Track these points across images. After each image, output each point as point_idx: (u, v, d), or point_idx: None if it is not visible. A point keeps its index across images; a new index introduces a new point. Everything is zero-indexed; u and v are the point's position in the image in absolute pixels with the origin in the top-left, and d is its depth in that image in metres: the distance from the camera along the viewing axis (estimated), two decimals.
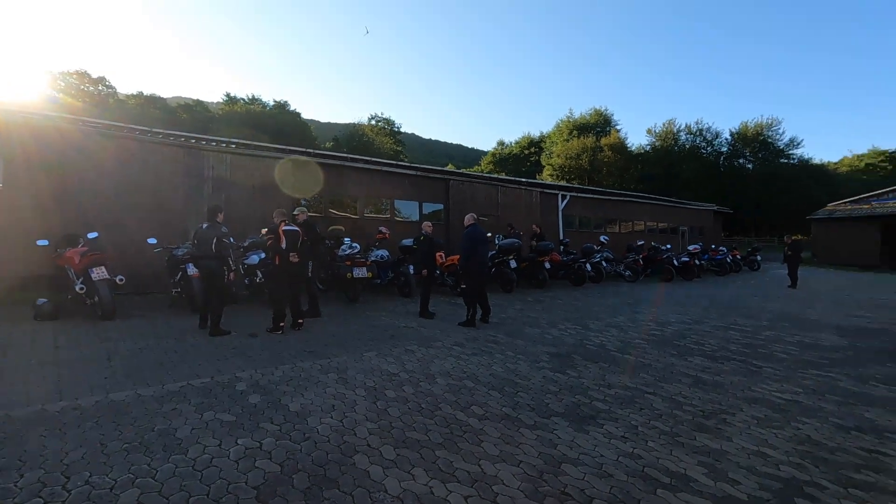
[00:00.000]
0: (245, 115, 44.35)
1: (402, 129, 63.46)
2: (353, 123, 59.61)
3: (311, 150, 12.81)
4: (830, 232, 26.83)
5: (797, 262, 14.84)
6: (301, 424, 3.57)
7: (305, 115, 54.96)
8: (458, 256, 11.01)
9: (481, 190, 15.79)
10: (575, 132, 48.95)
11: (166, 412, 3.74)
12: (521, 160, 58.09)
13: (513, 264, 11.82)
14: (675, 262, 16.52)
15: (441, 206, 15.02)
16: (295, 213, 7.99)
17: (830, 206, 28.41)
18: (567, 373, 5.11)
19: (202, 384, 4.43)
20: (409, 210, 14.60)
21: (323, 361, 5.30)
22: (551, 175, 46.51)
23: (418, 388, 4.48)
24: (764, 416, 3.97)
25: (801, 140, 60.69)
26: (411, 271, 10.49)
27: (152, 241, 8.35)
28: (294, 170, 11.88)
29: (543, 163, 50.89)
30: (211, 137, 14.63)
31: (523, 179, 19.60)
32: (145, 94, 46.93)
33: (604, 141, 45.20)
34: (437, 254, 9.05)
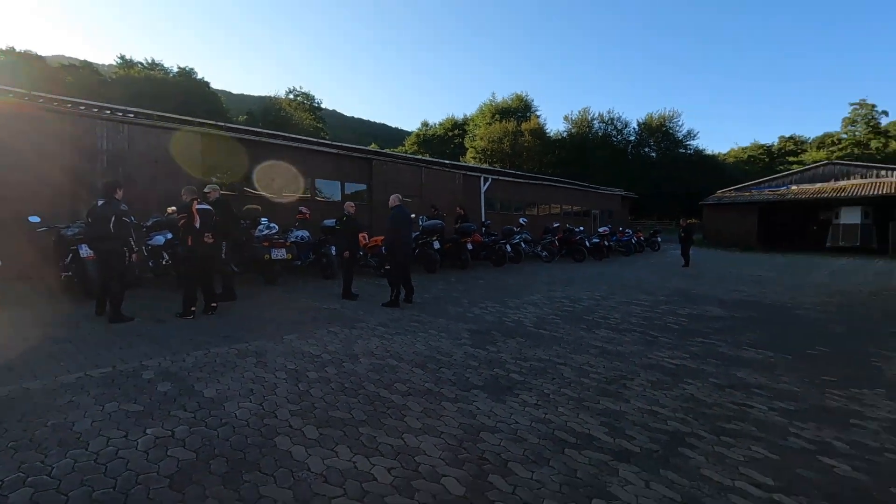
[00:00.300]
0: (144, 81, 40.11)
1: (323, 106, 60.99)
2: (269, 97, 56.12)
3: (224, 124, 11.99)
4: (718, 216, 29.95)
5: (689, 244, 16.46)
6: (217, 410, 3.45)
7: (215, 86, 50.90)
8: (381, 237, 10.96)
9: (405, 171, 15.73)
10: (497, 116, 49.92)
11: (61, 406, 3.43)
12: (445, 142, 58.31)
13: (436, 245, 11.99)
14: (587, 244, 17.64)
15: (364, 187, 14.79)
16: (206, 190, 7.49)
17: (719, 192, 31.66)
18: (487, 348, 5.35)
19: (103, 374, 4.10)
20: (330, 190, 14.22)
21: (240, 346, 5.11)
22: (474, 158, 47.25)
23: (341, 369, 4.48)
24: (657, 379, 4.45)
25: (697, 132, 67.34)
26: (333, 252, 10.29)
27: (35, 219, 7.44)
28: (204, 144, 11.07)
29: (467, 145, 51.49)
30: (105, 105, 13.15)
31: (447, 161, 19.81)
32: (17, 49, 40.71)
33: (524, 126, 46.61)
34: (361, 234, 8.94)
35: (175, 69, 46.28)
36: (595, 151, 44.94)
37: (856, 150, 47.27)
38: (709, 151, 51.78)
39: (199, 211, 6.42)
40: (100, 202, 6.12)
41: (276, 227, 9.44)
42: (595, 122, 49.02)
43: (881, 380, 4.61)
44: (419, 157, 20.38)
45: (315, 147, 13.75)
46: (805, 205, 27.87)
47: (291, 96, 55.67)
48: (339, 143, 15.01)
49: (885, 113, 52.12)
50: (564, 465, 2.83)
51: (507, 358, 5.00)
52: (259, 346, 5.11)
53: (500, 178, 20.60)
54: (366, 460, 2.82)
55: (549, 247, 16.64)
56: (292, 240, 9.98)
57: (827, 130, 56.31)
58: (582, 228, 18.76)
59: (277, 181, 12.71)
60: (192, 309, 6.37)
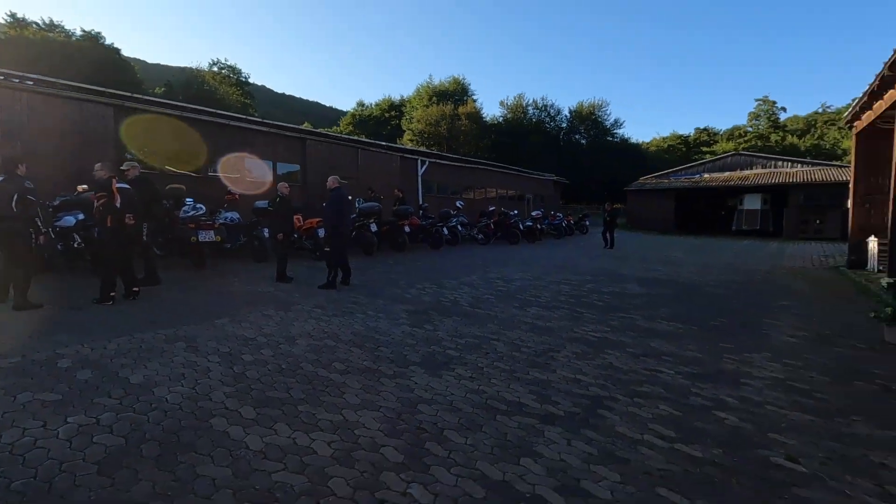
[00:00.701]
0: (41, 43, 35.82)
1: (251, 81, 57.66)
2: (190, 68, 52.08)
3: (141, 96, 11.08)
4: (640, 201, 31.99)
5: (613, 227, 17.52)
6: (146, 396, 3.33)
7: (127, 53, 46.38)
8: (316, 220, 10.75)
9: (341, 152, 15.40)
10: (435, 99, 49.77)
11: None
12: (382, 123, 57.35)
13: (373, 228, 11.94)
14: (521, 227, 18.26)
15: (297, 167, 14.33)
16: (124, 168, 6.98)
17: (641, 179, 33.75)
18: (424, 327, 5.50)
19: (11, 364, 3.81)
20: (261, 170, 13.65)
21: (167, 331, 4.90)
22: (411, 140, 46.94)
23: (278, 351, 4.44)
24: (581, 351, 4.81)
25: (624, 121, 71.01)
26: (266, 235, 9.97)
27: None
28: (119, 117, 10.22)
29: (404, 127, 50.99)
30: None
31: (384, 143, 19.57)
32: None
33: (461, 109, 46.85)
34: (295, 216, 8.73)
35: (79, 32, 41.70)
36: (529, 137, 46.10)
37: (759, 143, 51.97)
38: (634, 140, 54.87)
39: (120, 190, 5.99)
40: None
41: (204, 207, 8.99)
42: (530, 108, 50.19)
43: (768, 345, 5.26)
44: (355, 137, 19.97)
45: (244, 124, 13.10)
46: (715, 192, 30.43)
47: (216, 69, 52.08)
48: (271, 121, 14.38)
49: (784, 109, 57.78)
50: (496, 430, 3.04)
51: (443, 336, 5.18)
52: (189, 331, 4.93)
53: (438, 161, 20.71)
54: (305, 436, 2.87)
55: (484, 230, 17.06)
56: (221, 221, 9.55)
57: (735, 123, 61.50)
58: (516, 212, 19.36)
59: (204, 160, 12.00)
60: (112, 294, 5.98)
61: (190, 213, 8.71)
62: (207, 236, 8.67)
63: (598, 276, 10.23)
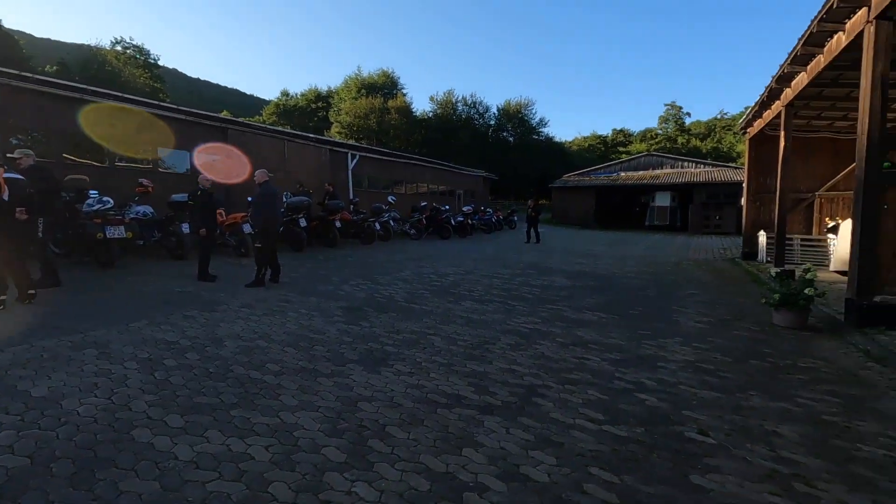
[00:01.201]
0: None
1: (161, 63, 53.19)
2: (88, 46, 47.02)
3: (32, 75, 9.83)
4: (564, 198, 33.56)
5: (536, 222, 18.16)
6: (52, 409, 3.02)
7: (8, 24, 41.02)
8: (241, 214, 10.22)
9: (267, 143, 14.70)
10: (363, 91, 48.85)
11: None
12: (308, 114, 55.40)
13: (303, 223, 11.55)
14: (453, 222, 18.49)
15: (218, 158, 13.46)
16: (15, 156, 6.21)
17: (565, 176, 35.41)
18: (360, 324, 5.44)
19: None
20: (177, 160, 12.69)
21: (74, 337, 4.46)
22: (340, 133, 45.78)
23: (205, 354, 4.20)
24: (515, 342, 5.00)
25: (548, 120, 74.16)
26: (186, 230, 9.30)
27: None
28: (4, 98, 9.05)
29: (332, 119, 49.58)
30: None
31: (312, 135, 18.90)
32: None
33: (391, 103, 46.38)
34: (218, 211, 8.23)
35: None
36: (458, 133, 46.66)
37: (668, 144, 56.35)
38: (557, 139, 57.31)
39: (8, 180, 5.32)
40: None
41: (111, 201, 8.21)
42: (459, 104, 50.72)
43: (679, 331, 5.77)
44: (282, 129, 19.11)
45: (158, 111, 12.07)
46: (631, 189, 32.63)
47: (119, 48, 47.51)
48: (188, 108, 13.38)
49: (689, 114, 63.09)
50: (437, 423, 3.09)
51: (380, 332, 5.15)
52: (100, 336, 4.52)
53: (369, 155, 20.38)
54: (240, 441, 2.75)
55: (417, 225, 17.09)
56: (132, 216, 8.79)
57: (647, 126, 66.21)
58: (448, 207, 19.57)
59: (110, 148, 10.94)
60: (2, 298, 5.32)
61: (95, 207, 7.91)
62: (117, 232, 7.93)
63: (527, 269, 10.62)
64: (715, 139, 58.00)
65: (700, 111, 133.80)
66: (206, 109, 15.18)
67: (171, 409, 3.11)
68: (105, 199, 8.13)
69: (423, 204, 18.37)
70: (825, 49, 7.14)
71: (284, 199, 11.93)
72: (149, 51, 49.20)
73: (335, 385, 3.65)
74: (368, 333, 5.08)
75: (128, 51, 47.77)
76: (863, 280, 5.70)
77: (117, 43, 47.62)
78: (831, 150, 12.97)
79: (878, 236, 5.68)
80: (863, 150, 5.68)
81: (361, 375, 3.87)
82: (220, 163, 12.60)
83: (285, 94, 59.98)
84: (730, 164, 33.33)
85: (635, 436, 3.03)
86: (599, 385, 3.88)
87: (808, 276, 6.09)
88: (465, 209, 20.34)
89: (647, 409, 3.46)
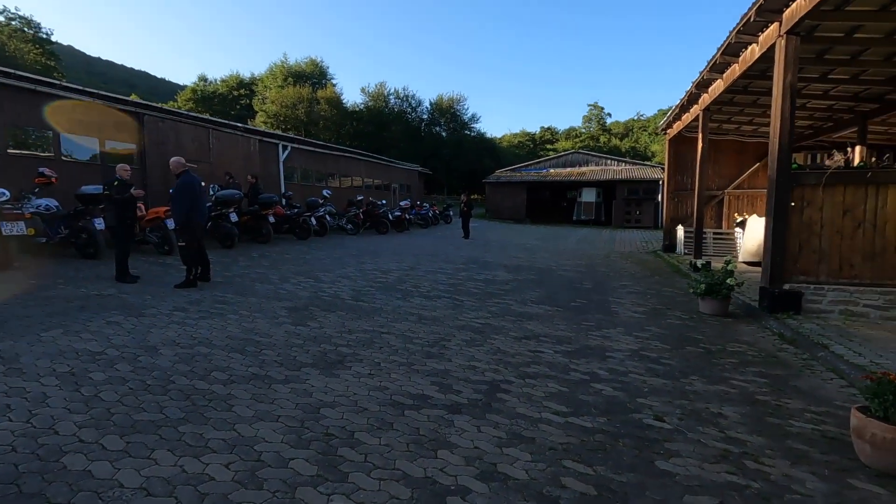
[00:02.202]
0: None
1: (54, 39, 47.55)
2: None
3: None
4: (497, 193, 34.32)
5: (469, 217, 18.36)
6: None
7: None
8: (164, 208, 9.39)
9: (188, 131, 13.60)
10: (290, 80, 46.77)
11: None
12: (230, 101, 52.15)
13: (233, 218, 10.85)
14: (390, 217, 18.26)
15: (133, 147, 12.28)
16: None
17: (497, 172, 36.20)
18: (308, 324, 5.19)
19: None
20: (83, 149, 11.40)
21: None
22: (265, 122, 43.52)
23: (138, 364, 3.79)
24: (470, 338, 5.01)
25: (480, 116, 75.42)
26: (99, 226, 8.39)
27: None
28: None
29: (256, 108, 47.04)
30: None
31: (240, 125, 17.77)
32: None
33: (320, 93, 44.79)
34: (138, 205, 7.49)
35: None
36: (391, 126, 46.12)
37: (591, 143, 59.40)
38: (489, 135, 58.41)
39: None
40: None
41: (7, 193, 7.19)
42: (391, 97, 50.11)
43: (618, 321, 6.08)
44: (206, 116, 17.72)
45: (59, 91, 10.74)
46: (559, 185, 34.04)
47: (2, 18, 41.88)
48: (97, 91, 12.04)
49: (610, 114, 66.89)
50: (407, 426, 3.01)
51: (331, 332, 4.95)
52: (5, 349, 3.94)
53: (301, 146, 19.55)
54: (196, 461, 2.51)
55: (353, 219, 16.68)
56: (33, 210, 7.78)
57: (572, 125, 69.29)
58: (385, 202, 19.28)
59: (0, 133, 9.59)
60: None
61: None
62: (15, 229, 6.98)
63: (468, 264, 10.72)
64: (633, 139, 61.97)
65: (619, 112, 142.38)
66: (108, 92, 13.73)
67: (106, 430, 2.77)
68: (0, 190, 7.12)
69: (359, 198, 17.95)
70: (740, 59, 7.79)
71: (212, 192, 11.15)
72: (39, 23, 43.84)
73: (292, 392, 3.44)
74: (319, 334, 4.86)
75: (13, 22, 42.22)
76: (775, 270, 6.32)
77: (1, 13, 41.95)
78: (737, 152, 14.28)
79: (786, 231, 6.32)
80: (774, 152, 6.29)
81: (319, 380, 3.68)
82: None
83: (203, 79, 56.10)
84: (646, 163, 35.76)
85: (599, 426, 3.13)
86: (557, 377, 3.98)
87: (730, 267, 6.67)
88: (402, 204, 20.18)
89: (604, 398, 3.59)
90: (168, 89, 75.71)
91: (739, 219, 12.46)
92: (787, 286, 6.33)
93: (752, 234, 10.60)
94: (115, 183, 6.79)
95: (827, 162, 8.19)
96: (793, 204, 6.32)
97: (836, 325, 5.70)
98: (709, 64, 8.45)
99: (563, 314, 6.30)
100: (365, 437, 2.85)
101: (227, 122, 17.32)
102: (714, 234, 12.95)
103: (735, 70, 8.06)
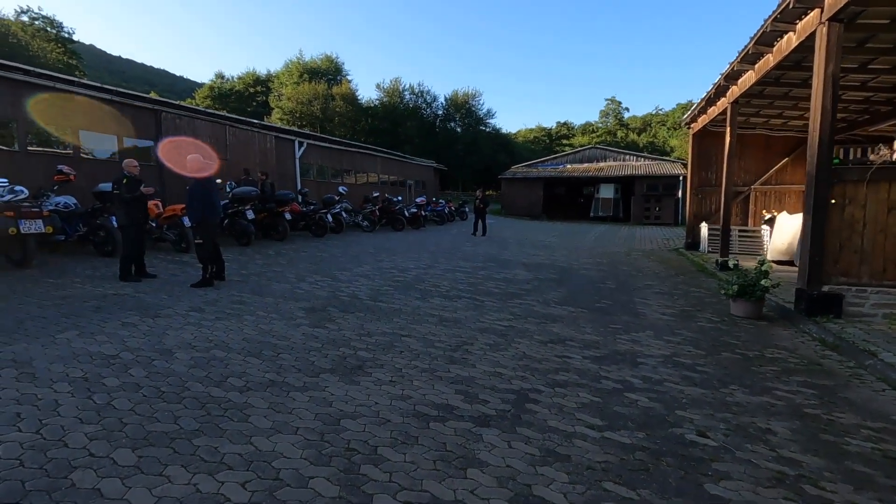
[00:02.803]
0: None
1: (76, 38, 48.26)
2: None
3: None
4: (513, 189, 33.94)
5: (483, 213, 18.01)
6: None
7: None
8: (180, 206, 9.34)
9: (206, 128, 13.60)
10: (306, 76, 46.85)
11: None
12: (246, 99, 52.50)
13: (250, 215, 10.79)
14: (406, 213, 18.10)
15: (150, 144, 12.30)
16: None
17: (513, 168, 35.80)
18: (326, 326, 5.04)
19: None
20: (102, 146, 11.44)
21: None
22: (281, 119, 43.70)
23: (152, 369, 3.68)
24: (493, 342, 4.81)
25: (496, 112, 74.97)
26: (115, 224, 8.35)
27: None
28: None
29: (273, 105, 47.25)
30: None
31: (256, 121, 17.76)
32: None
33: (335, 90, 44.80)
34: (154, 202, 7.43)
35: None
36: (406, 122, 45.94)
37: (608, 138, 58.47)
38: (504, 130, 57.89)
39: None
40: None
41: (25, 190, 7.18)
42: (406, 93, 49.89)
43: (647, 324, 5.81)
44: (222, 113, 17.72)
45: (79, 89, 10.78)
46: (576, 181, 33.52)
47: (25, 19, 42.63)
48: (115, 88, 12.09)
49: (627, 109, 65.83)
50: (433, 441, 2.82)
51: (350, 335, 4.79)
52: (18, 352, 3.86)
53: (317, 143, 19.49)
54: (211, 479, 2.35)
55: (369, 216, 16.56)
56: (51, 208, 7.77)
57: (588, 120, 68.35)
58: (400, 198, 19.13)
59: (18, 129, 9.64)
60: None
61: (6, 198, 6.89)
62: (34, 227, 6.96)
63: (486, 262, 10.50)
64: (651, 134, 60.86)
65: (637, 106, 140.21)
66: (128, 90, 13.79)
67: (118, 443, 2.63)
68: (18, 188, 7.11)
69: (375, 195, 17.82)
70: (774, 48, 7.42)
71: (228, 189, 11.10)
72: (61, 23, 44.59)
73: (311, 400, 3.28)
74: (337, 337, 4.70)
75: (36, 22, 42.98)
76: (813, 270, 5.99)
77: (23, 13, 42.72)
78: (764, 146, 13.78)
79: (826, 229, 5.98)
80: (814, 147, 5.94)
81: (339, 387, 3.52)
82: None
83: (220, 76, 56.60)
84: (666, 158, 35.02)
85: (638, 442, 2.91)
86: (588, 386, 3.76)
87: (764, 267, 6.34)
88: (417, 200, 20.00)
89: (641, 410, 3.37)
90: (186, 87, 76.61)
91: (767, 216, 12.02)
92: (825, 288, 6.00)
93: (781, 232, 10.19)
94: (125, 180, 6.70)
95: (871, 157, 7.77)
96: (833, 201, 5.97)
97: (882, 331, 5.36)
98: (740, 54, 8.07)
99: (588, 316, 6.06)
100: (388, 452, 2.67)
101: (243, 118, 17.31)
102: (740, 231, 12.52)
103: (769, 60, 7.69)
